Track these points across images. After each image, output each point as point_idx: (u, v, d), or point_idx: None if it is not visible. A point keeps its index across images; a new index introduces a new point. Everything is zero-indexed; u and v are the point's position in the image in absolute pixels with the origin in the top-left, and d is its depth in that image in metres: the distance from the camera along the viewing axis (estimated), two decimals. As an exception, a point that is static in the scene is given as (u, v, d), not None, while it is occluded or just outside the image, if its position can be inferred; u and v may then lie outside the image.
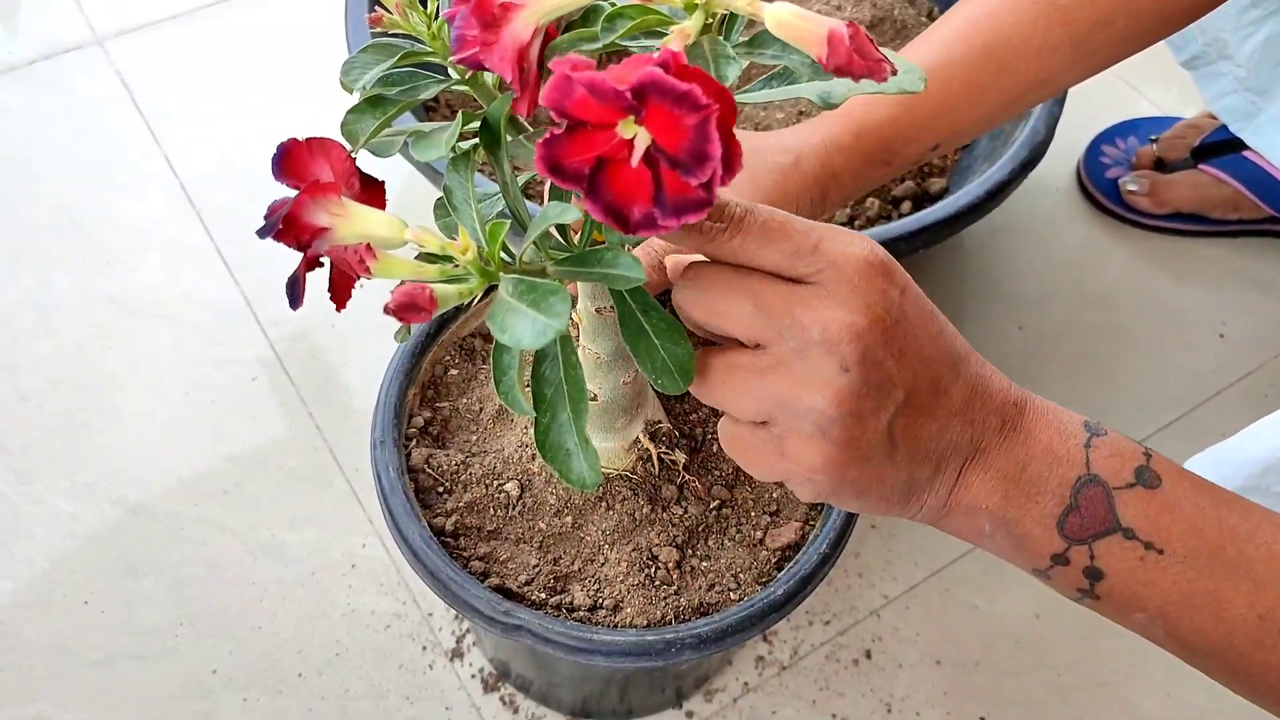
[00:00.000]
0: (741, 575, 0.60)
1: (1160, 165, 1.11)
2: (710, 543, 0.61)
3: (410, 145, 0.44)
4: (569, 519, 0.60)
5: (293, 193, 0.37)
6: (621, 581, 0.59)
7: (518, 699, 0.81)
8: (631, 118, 0.33)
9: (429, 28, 0.43)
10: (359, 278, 0.39)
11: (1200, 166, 1.09)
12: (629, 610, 0.58)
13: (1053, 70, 0.69)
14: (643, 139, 0.33)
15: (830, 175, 0.68)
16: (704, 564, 0.60)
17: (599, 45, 0.39)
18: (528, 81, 0.38)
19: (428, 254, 0.40)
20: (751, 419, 0.44)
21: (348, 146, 0.42)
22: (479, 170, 0.75)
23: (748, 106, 0.88)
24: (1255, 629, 0.44)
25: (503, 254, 0.41)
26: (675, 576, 0.59)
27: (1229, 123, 0.95)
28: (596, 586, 0.59)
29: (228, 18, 1.21)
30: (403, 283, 0.38)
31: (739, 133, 0.60)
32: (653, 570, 0.59)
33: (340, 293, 0.40)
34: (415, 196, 0.96)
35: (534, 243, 0.41)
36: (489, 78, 0.44)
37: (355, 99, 0.44)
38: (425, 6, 0.43)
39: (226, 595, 0.84)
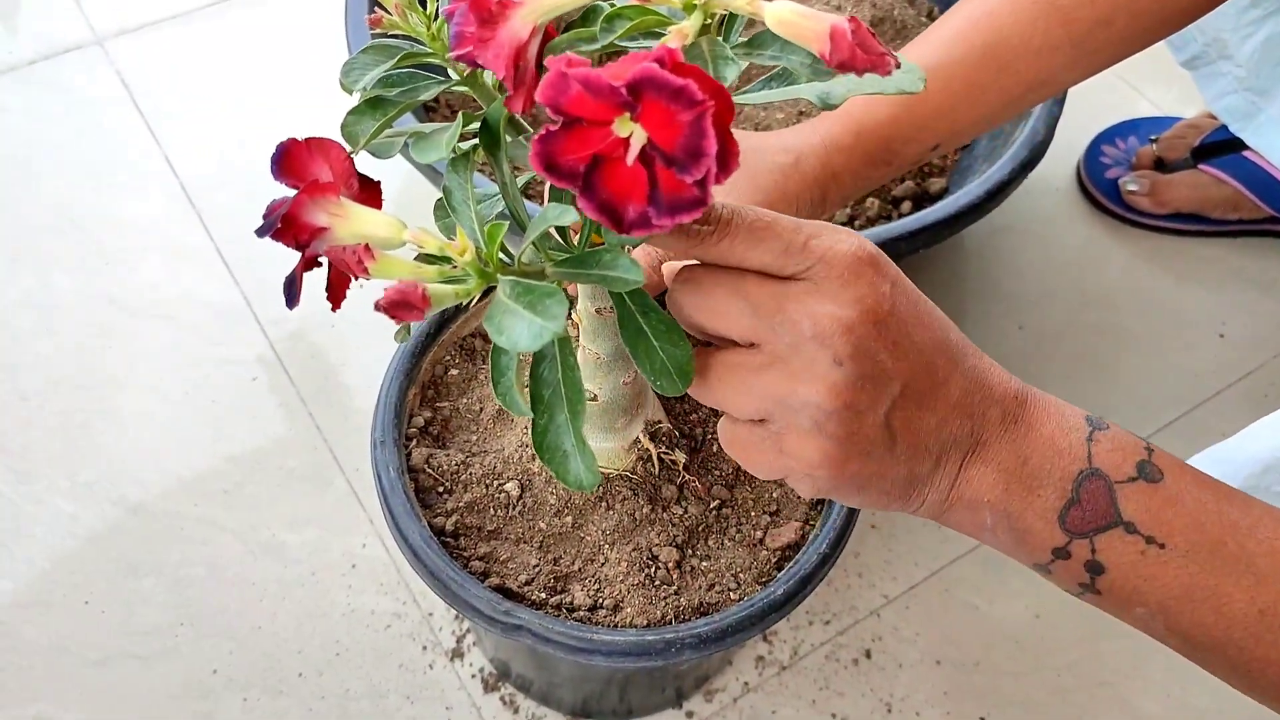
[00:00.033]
0: (741, 575, 0.60)
1: (1160, 165, 1.11)
2: (710, 542, 0.61)
3: (410, 146, 0.44)
4: (569, 519, 0.60)
5: (292, 192, 0.37)
6: (621, 581, 0.59)
7: (518, 699, 0.81)
8: (627, 115, 0.33)
9: (429, 29, 0.43)
10: (357, 278, 0.39)
11: (1200, 166, 1.09)
12: (629, 610, 0.58)
13: (1053, 70, 0.69)
14: (639, 137, 0.33)
15: (830, 175, 0.68)
16: (704, 564, 0.60)
17: (598, 46, 0.39)
18: (523, 79, 0.38)
19: (427, 255, 0.40)
20: (750, 417, 0.44)
21: (347, 147, 0.42)
22: (479, 171, 0.75)
23: (748, 107, 0.88)
24: (1256, 624, 0.44)
25: (502, 255, 0.41)
26: (675, 576, 0.59)
27: (1229, 123, 0.95)
28: (597, 586, 0.59)
29: (228, 18, 1.21)
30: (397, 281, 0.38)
31: (738, 133, 0.59)
32: (653, 570, 0.59)
33: (336, 293, 0.40)
34: (415, 197, 0.96)
35: (533, 244, 0.41)
36: (488, 78, 0.44)
37: (355, 100, 0.44)
38: (425, 7, 0.43)
39: (226, 595, 0.84)
